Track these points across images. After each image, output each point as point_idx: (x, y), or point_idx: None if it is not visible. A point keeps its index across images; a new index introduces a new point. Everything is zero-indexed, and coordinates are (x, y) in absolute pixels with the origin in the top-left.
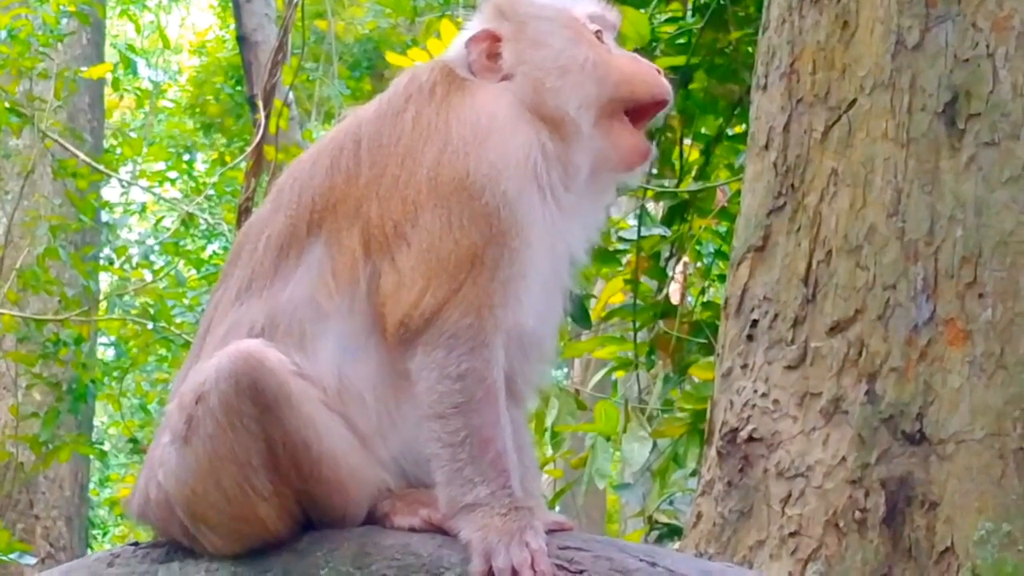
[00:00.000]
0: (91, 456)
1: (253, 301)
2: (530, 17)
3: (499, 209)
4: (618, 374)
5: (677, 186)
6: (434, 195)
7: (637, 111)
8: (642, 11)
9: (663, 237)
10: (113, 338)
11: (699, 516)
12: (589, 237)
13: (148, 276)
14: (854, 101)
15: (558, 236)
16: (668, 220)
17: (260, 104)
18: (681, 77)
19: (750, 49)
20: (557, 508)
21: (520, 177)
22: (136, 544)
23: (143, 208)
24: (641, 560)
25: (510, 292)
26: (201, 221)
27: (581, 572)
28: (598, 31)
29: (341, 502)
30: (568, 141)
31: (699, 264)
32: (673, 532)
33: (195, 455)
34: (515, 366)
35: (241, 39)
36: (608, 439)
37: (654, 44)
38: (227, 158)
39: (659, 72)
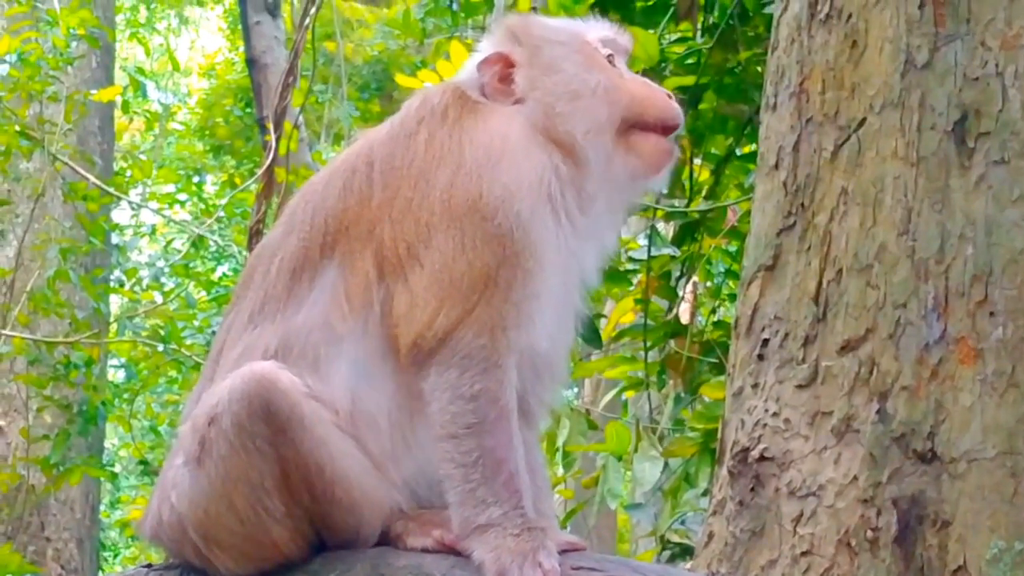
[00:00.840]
0: (102, 478)
1: (266, 325)
2: (543, 41)
3: (512, 231)
4: (629, 394)
5: (687, 206)
6: (447, 217)
7: (648, 132)
8: (651, 31)
9: (673, 257)
10: (123, 360)
11: (711, 536)
12: (602, 259)
13: (158, 298)
14: (863, 120)
15: (571, 258)
16: (678, 240)
17: (270, 126)
18: (690, 97)
19: (759, 69)
20: (568, 528)
21: (533, 199)
22: (150, 566)
23: (153, 230)
24: None
25: (523, 313)
26: (211, 243)
27: None
28: (610, 55)
29: (354, 523)
30: (581, 165)
31: (709, 284)
32: (685, 552)
33: (208, 477)
34: (527, 386)
35: (250, 61)
36: (619, 459)
37: (663, 64)
38: (237, 180)
39: (670, 97)
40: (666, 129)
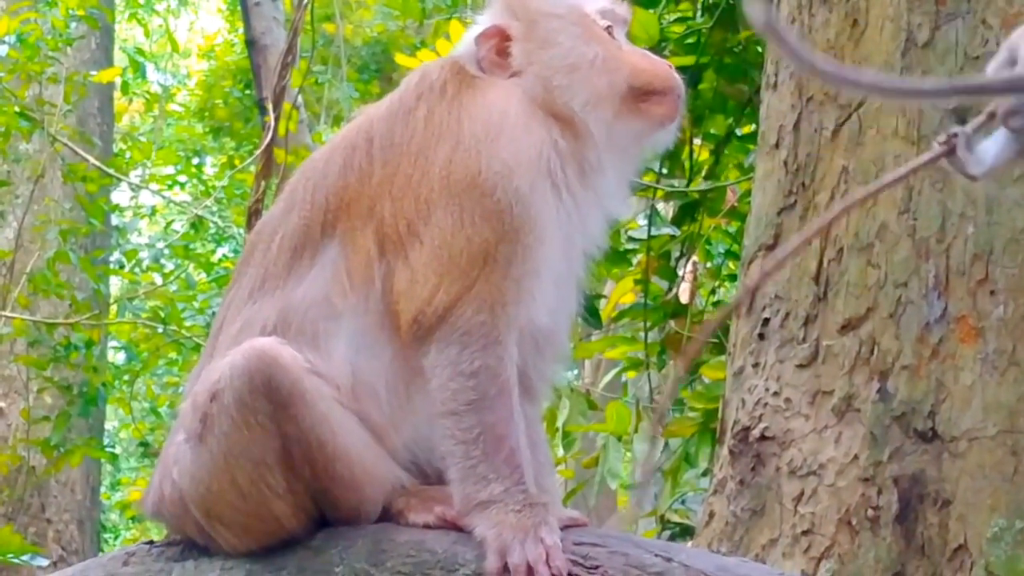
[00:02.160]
0: (102, 460)
1: (266, 300)
2: (540, 14)
3: (512, 206)
4: (629, 374)
5: (687, 186)
6: (447, 193)
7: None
8: (651, 11)
9: (673, 237)
10: (123, 342)
11: (711, 515)
12: (608, 226)
13: (158, 279)
14: (864, 99)
15: (574, 231)
16: (678, 220)
17: (269, 107)
18: (691, 77)
19: (759, 48)
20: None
21: (532, 174)
22: (151, 543)
23: (153, 211)
24: (656, 555)
25: (523, 289)
26: (211, 224)
27: (596, 567)
28: (609, 26)
29: (356, 499)
30: (580, 137)
31: (709, 264)
32: (685, 531)
33: (210, 453)
34: (529, 362)
35: (250, 43)
36: (619, 439)
37: (663, 44)
38: (236, 161)
39: (670, 67)
40: (674, 95)
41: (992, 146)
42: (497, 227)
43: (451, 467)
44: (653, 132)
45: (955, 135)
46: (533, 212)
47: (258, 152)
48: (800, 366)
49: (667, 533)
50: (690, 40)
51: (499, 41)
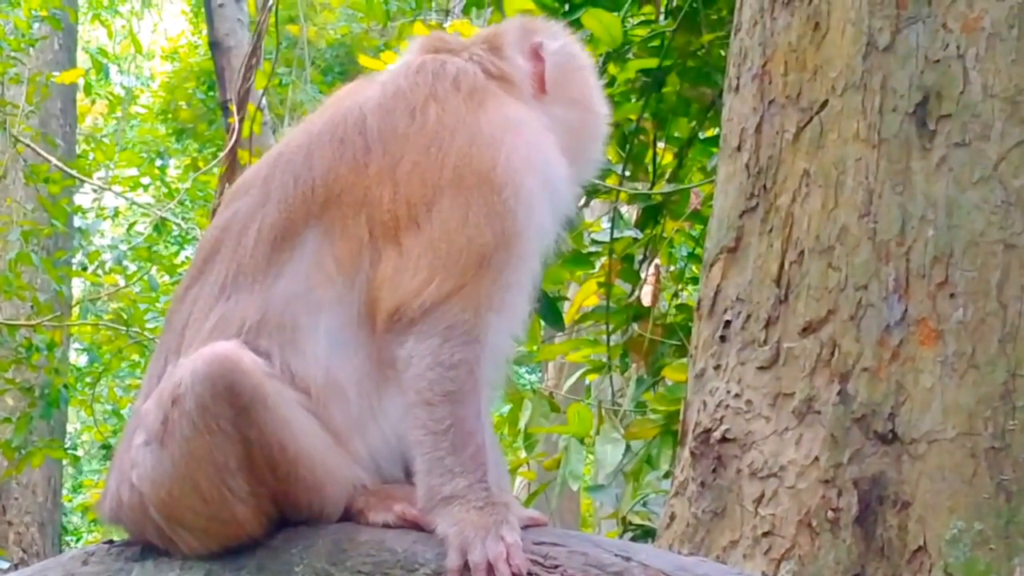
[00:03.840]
0: (64, 461)
1: (242, 295)
2: (570, 57)
3: (516, 210)
4: (591, 377)
5: (650, 189)
6: (458, 183)
7: None
8: (615, 14)
9: (636, 240)
10: (86, 343)
11: (672, 517)
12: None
13: (121, 281)
14: (825, 102)
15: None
16: (641, 223)
17: (233, 109)
18: (654, 80)
19: (722, 52)
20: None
21: (542, 183)
22: (111, 542)
23: (116, 213)
24: (616, 555)
25: (507, 299)
26: (174, 226)
27: (556, 567)
28: None
29: (317, 501)
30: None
31: (672, 267)
32: (647, 533)
33: (171, 457)
34: None
35: (213, 44)
36: (581, 441)
37: (626, 47)
38: (200, 163)
39: None
40: None
41: None
42: (498, 231)
43: (418, 458)
44: None
45: None
46: (534, 222)
47: (223, 154)
48: (761, 368)
49: (629, 535)
50: (654, 43)
51: (536, 64)
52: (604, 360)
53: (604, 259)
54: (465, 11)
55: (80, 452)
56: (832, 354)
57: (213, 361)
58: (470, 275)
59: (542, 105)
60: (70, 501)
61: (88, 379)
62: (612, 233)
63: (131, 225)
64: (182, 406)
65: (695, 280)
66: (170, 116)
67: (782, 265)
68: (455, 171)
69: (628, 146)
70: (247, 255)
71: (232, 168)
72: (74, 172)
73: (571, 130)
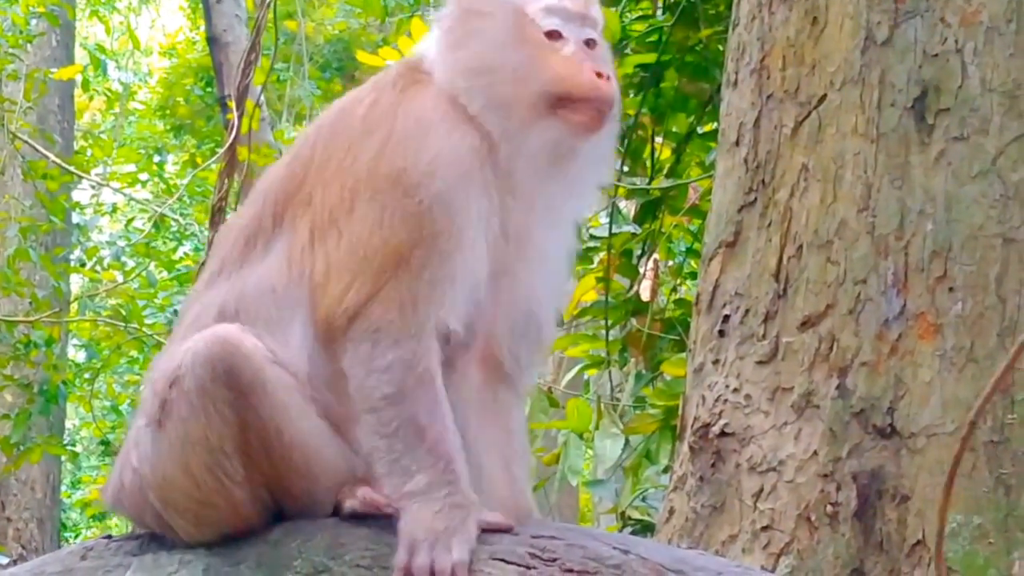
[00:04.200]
0: (63, 458)
1: (222, 285)
2: (466, 12)
3: (431, 209)
4: (590, 372)
5: (649, 184)
6: (371, 187)
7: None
8: (613, 9)
9: (635, 235)
10: (84, 340)
11: (671, 511)
12: (562, 229)
13: (119, 277)
14: (824, 97)
15: (523, 229)
16: (640, 218)
17: (232, 105)
18: (652, 75)
19: (720, 47)
20: None
21: (455, 177)
22: (110, 537)
23: (114, 209)
24: (614, 548)
25: (436, 292)
26: (172, 223)
27: (554, 560)
28: (553, 29)
29: (310, 489)
30: (495, 143)
31: (671, 262)
32: (646, 528)
33: (168, 439)
34: (506, 348)
35: (211, 40)
36: (580, 436)
37: (624, 42)
38: (198, 159)
39: (600, 75)
40: (593, 106)
41: None
42: (414, 231)
43: (376, 463)
44: (573, 140)
45: None
46: (455, 216)
47: (221, 151)
48: (760, 363)
49: (628, 530)
50: (652, 38)
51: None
52: (603, 355)
53: (602, 254)
54: None
55: (79, 448)
56: (831, 348)
57: (214, 343)
58: (387, 277)
59: (444, 82)
60: (69, 497)
61: (87, 375)
62: (611, 228)
63: (129, 221)
64: (180, 387)
65: (694, 275)
66: (168, 112)
67: (781, 259)
68: (368, 174)
69: (626, 141)
70: (228, 251)
71: (230, 164)
72: (72, 168)
73: (465, 96)
